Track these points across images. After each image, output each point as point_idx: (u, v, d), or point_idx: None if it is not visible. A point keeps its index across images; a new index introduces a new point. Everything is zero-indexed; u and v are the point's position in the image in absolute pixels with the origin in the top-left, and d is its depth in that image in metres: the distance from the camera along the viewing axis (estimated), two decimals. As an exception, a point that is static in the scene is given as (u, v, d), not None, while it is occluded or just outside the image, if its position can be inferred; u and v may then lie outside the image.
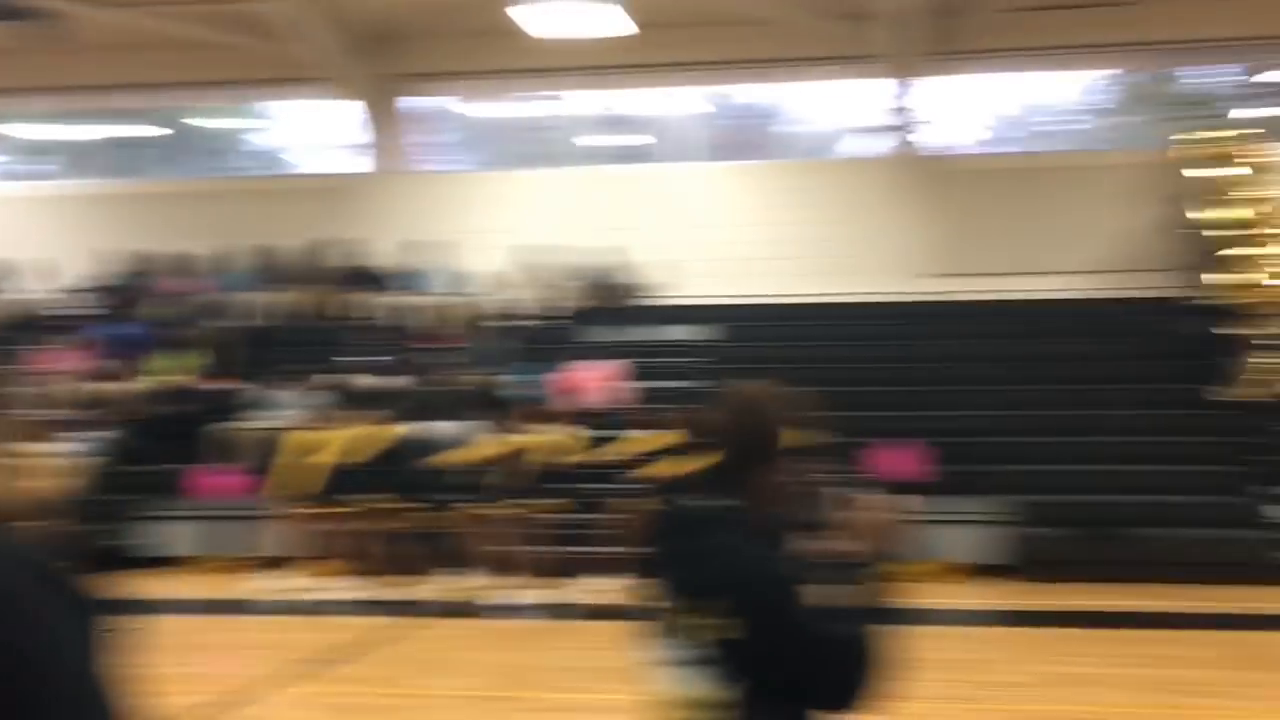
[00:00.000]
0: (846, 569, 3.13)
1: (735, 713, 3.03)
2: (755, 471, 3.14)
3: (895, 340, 17.70)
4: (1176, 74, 20.97)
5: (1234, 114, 19.52)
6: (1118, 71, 20.47)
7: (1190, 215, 17.11)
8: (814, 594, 3.04)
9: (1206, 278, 16.42)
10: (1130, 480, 15.15)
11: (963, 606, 12.95)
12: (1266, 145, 17.76)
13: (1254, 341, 14.89)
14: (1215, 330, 16.04)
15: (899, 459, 14.95)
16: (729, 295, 18.09)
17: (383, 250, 18.95)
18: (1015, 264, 18.43)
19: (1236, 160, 17.11)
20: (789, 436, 3.19)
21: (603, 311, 18.43)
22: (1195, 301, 16.69)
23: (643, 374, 16.82)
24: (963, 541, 14.56)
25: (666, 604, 3.15)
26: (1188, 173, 17.41)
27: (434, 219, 19.40)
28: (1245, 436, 15.00)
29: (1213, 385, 15.54)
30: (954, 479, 14.88)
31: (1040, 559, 14.10)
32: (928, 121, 19.44)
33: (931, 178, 19.09)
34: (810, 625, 2.99)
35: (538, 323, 18.28)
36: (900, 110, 19.02)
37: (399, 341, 17.60)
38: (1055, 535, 14.31)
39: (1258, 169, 16.94)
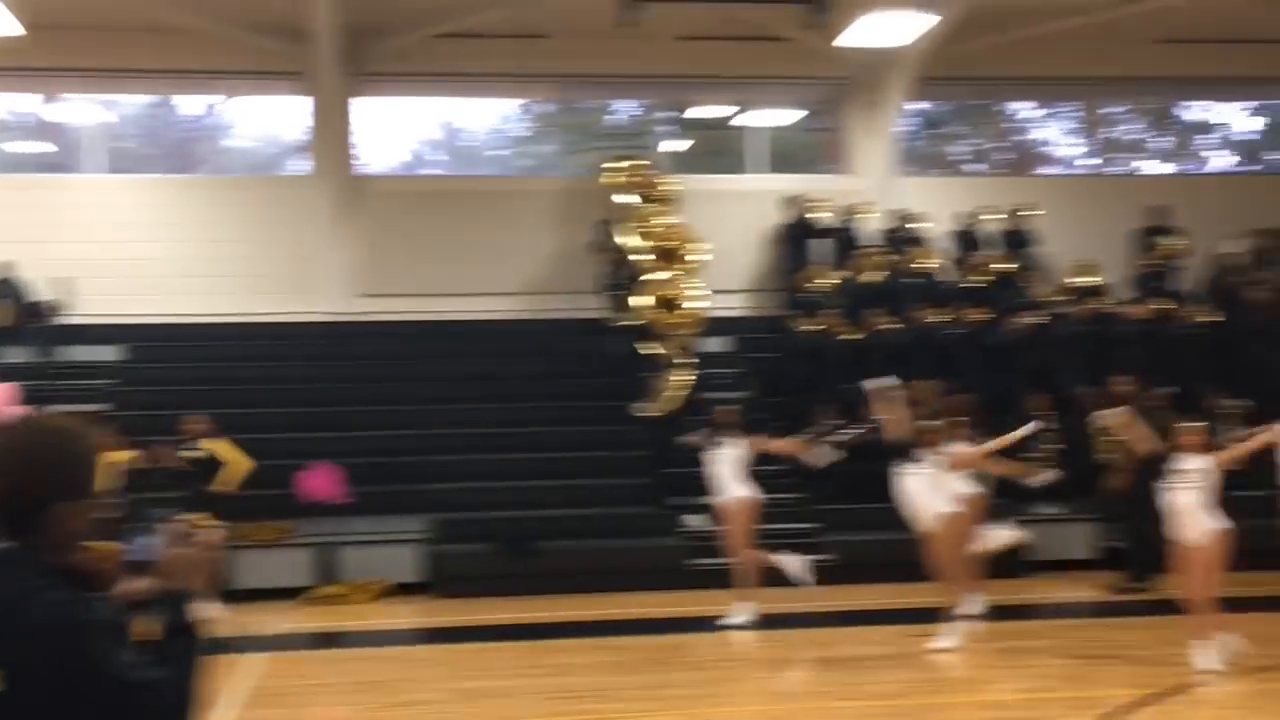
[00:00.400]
0: (155, 606, 2.88)
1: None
2: (52, 509, 2.82)
3: (321, 360, 17.48)
4: (600, 106, 21.99)
5: (662, 145, 20.66)
6: (536, 100, 21.19)
7: (611, 241, 17.92)
8: (122, 636, 2.77)
9: (627, 300, 17.25)
10: (554, 495, 15.62)
11: (380, 627, 12.89)
12: (679, 176, 18.96)
13: (668, 360, 15.76)
14: (635, 349, 16.86)
15: (319, 480, 14.71)
16: (137, 314, 17.20)
17: None
18: (446, 284, 18.65)
19: (650, 190, 18.07)
20: (95, 472, 2.91)
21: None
22: (617, 322, 17.48)
23: (40, 396, 15.60)
24: (381, 561, 14.53)
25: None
26: (610, 199, 18.24)
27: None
28: (663, 450, 15.80)
29: (634, 402, 16.33)
30: (374, 498, 14.82)
31: (456, 575, 14.26)
32: (359, 142, 19.37)
33: (362, 198, 18.97)
34: (114, 671, 2.71)
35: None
36: (328, 130, 18.76)
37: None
38: (472, 552, 14.52)
39: (667, 199, 17.97)
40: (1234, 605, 10.00)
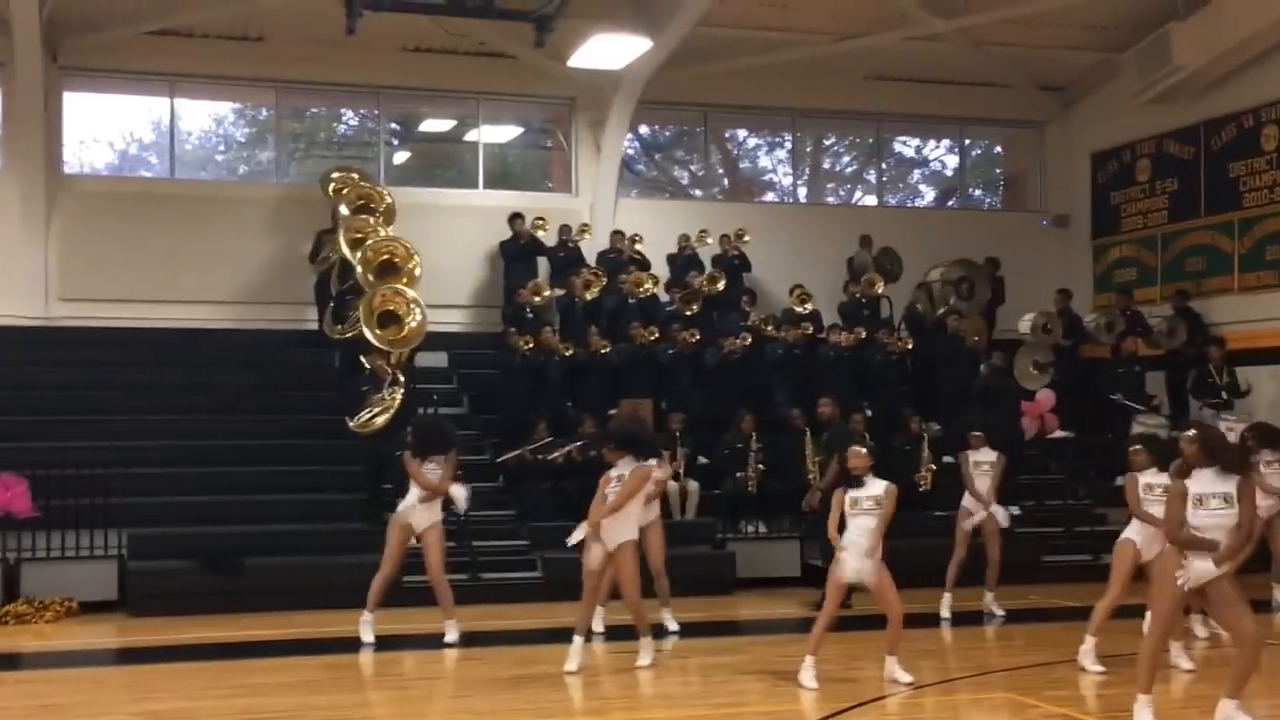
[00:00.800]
0: None
1: None
2: None
3: (14, 366, 16.62)
4: (324, 114, 21.55)
5: (387, 157, 20.37)
6: (255, 105, 20.66)
7: (330, 252, 17.58)
8: None
9: (344, 312, 16.95)
10: (263, 510, 15.19)
11: (64, 648, 12.28)
12: (402, 189, 18.75)
13: (385, 375, 15.52)
14: (351, 363, 16.55)
15: (5, 493, 13.94)
16: None
17: None
18: (154, 291, 18.02)
19: (372, 201, 17.82)
20: None
21: None
22: (333, 335, 17.14)
23: None
24: (70, 578, 13.85)
25: None
26: (330, 210, 17.90)
27: None
28: (379, 465, 15.49)
29: (349, 416, 16.01)
30: (66, 512, 14.13)
31: (152, 593, 13.70)
32: (66, 139, 18.51)
33: (66, 197, 18.14)
34: None
35: None
36: (26, 124, 17.81)
37: None
38: (170, 568, 13.99)
39: (389, 211, 17.73)
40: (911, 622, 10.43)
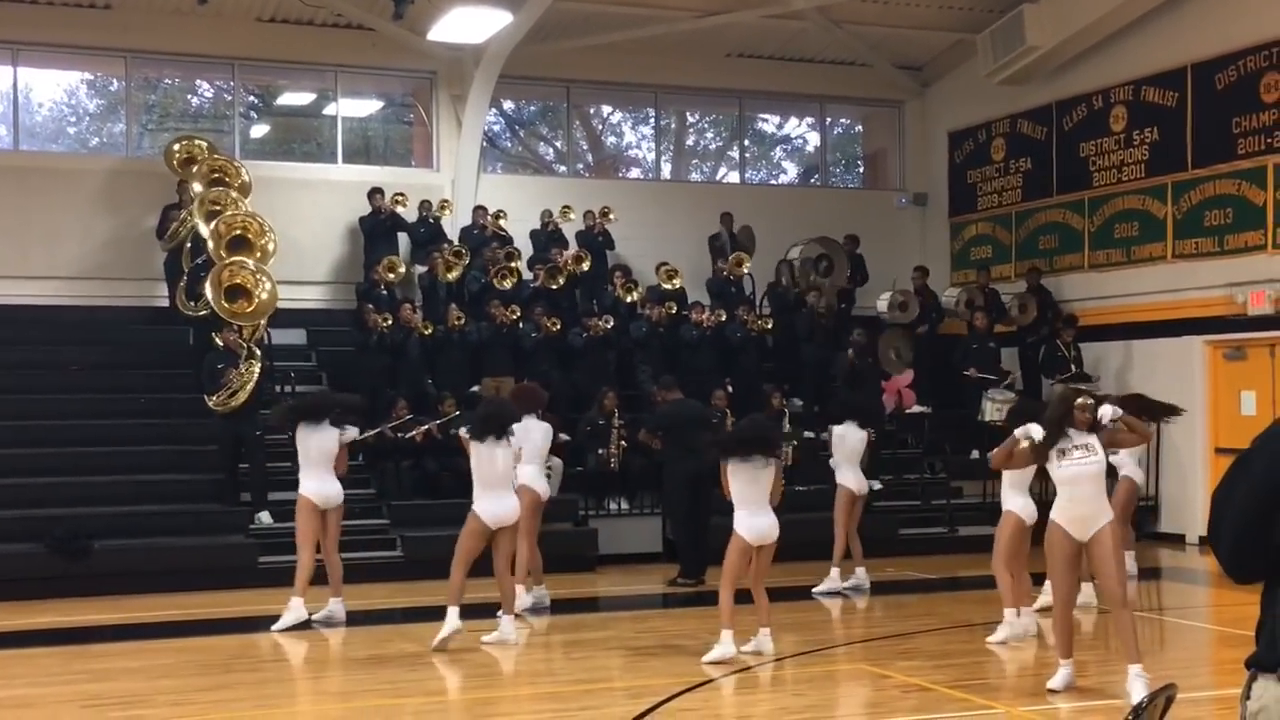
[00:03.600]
0: None
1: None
2: None
3: None
4: (178, 85, 21.02)
5: (242, 130, 19.95)
6: (106, 75, 20.08)
7: (181, 226, 17.16)
8: None
9: (196, 288, 16.56)
10: (114, 491, 14.79)
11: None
12: (258, 162, 18.35)
13: (239, 351, 15.20)
14: (204, 340, 16.20)
15: None
16: None
17: None
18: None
19: (226, 175, 17.41)
20: None
21: None
22: (186, 311, 16.76)
23: None
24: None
25: None
26: (181, 183, 17.47)
27: None
28: (234, 444, 15.20)
29: (203, 394, 15.66)
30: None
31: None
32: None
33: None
34: None
35: None
36: None
37: None
38: (14, 552, 13.56)
39: (243, 185, 17.35)
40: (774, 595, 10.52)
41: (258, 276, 15.49)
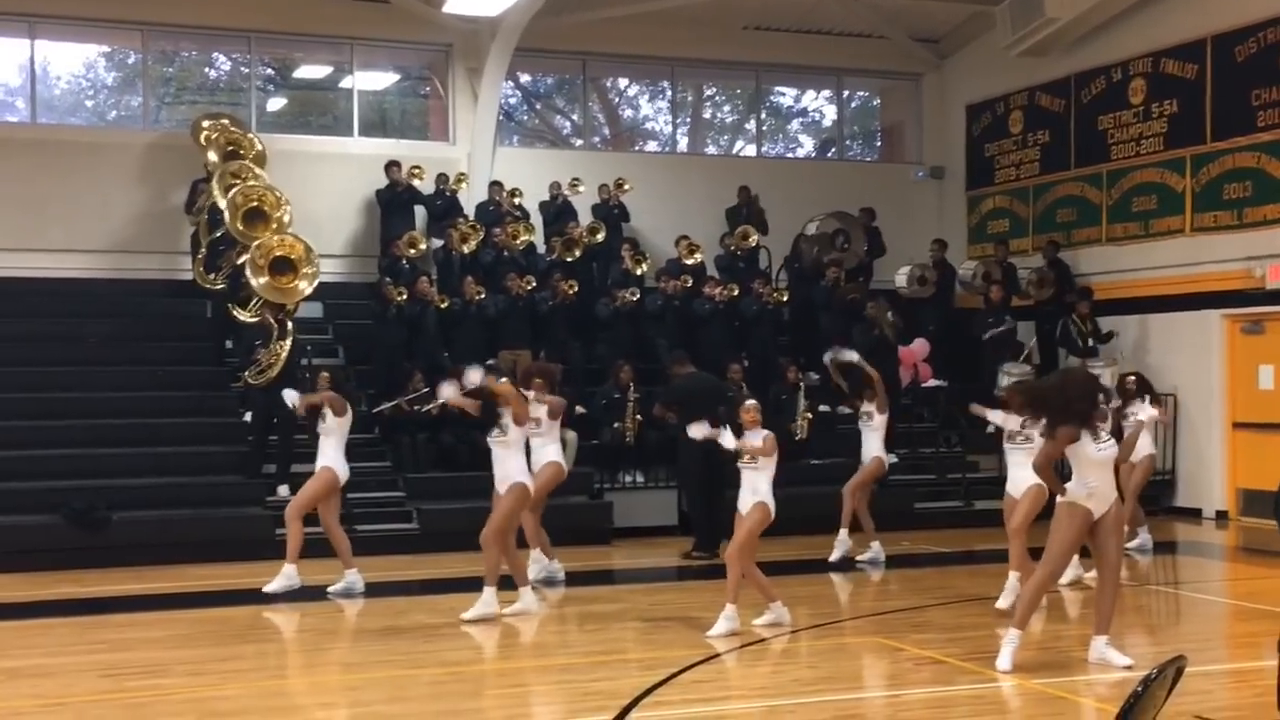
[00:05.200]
0: None
1: None
2: None
3: None
4: (196, 58, 21.02)
5: (261, 103, 19.97)
6: (124, 48, 20.09)
7: (203, 199, 17.21)
8: None
9: (219, 262, 16.62)
10: (136, 462, 14.87)
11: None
12: (277, 135, 18.38)
13: (263, 325, 15.24)
14: (227, 313, 16.26)
15: None
16: None
17: None
18: (20, 239, 17.48)
19: (245, 148, 17.44)
20: None
21: None
22: (208, 285, 16.82)
23: None
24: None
25: None
26: (203, 156, 17.51)
27: None
28: (258, 417, 15.23)
29: (225, 368, 15.69)
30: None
31: (16, 548, 13.36)
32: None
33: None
34: None
35: None
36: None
37: None
38: (36, 523, 13.66)
39: (262, 158, 17.38)
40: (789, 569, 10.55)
41: (307, 255, 15.41)
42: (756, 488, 9.88)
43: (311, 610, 11.39)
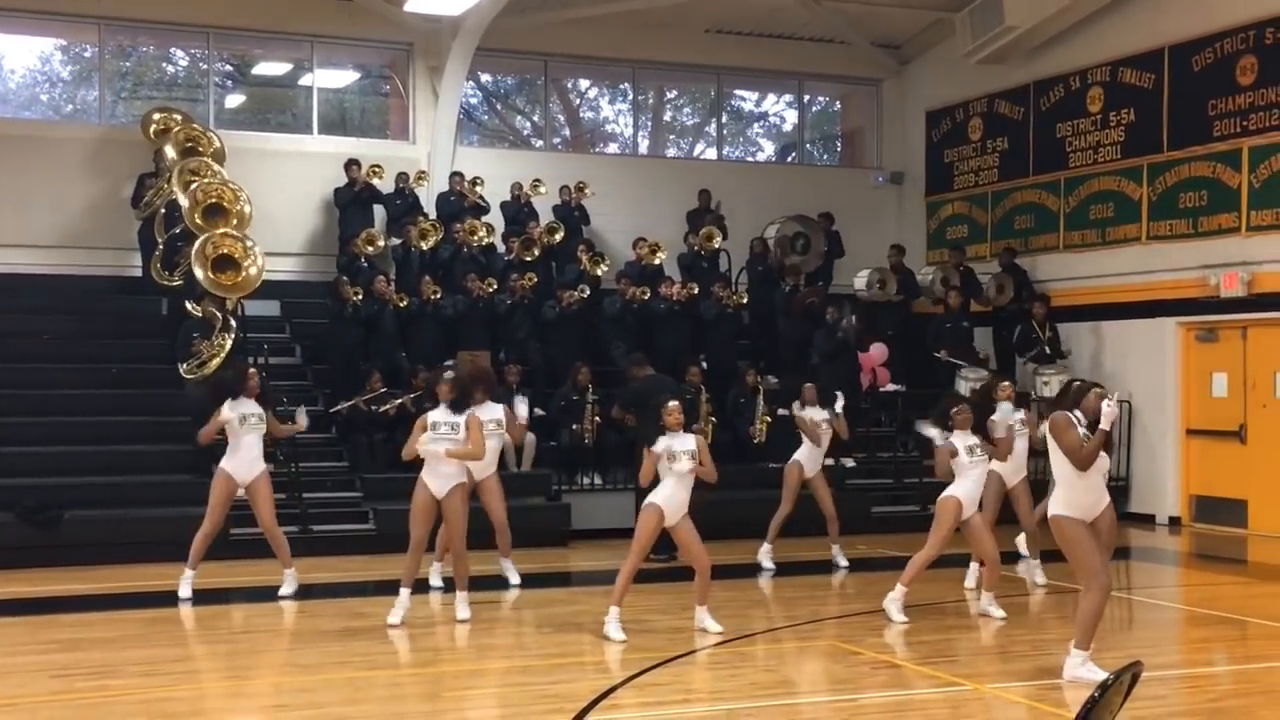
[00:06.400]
0: None
1: None
2: None
3: None
4: (154, 53, 20.85)
5: (218, 99, 19.83)
6: (79, 42, 19.90)
7: (155, 195, 17.08)
8: None
9: (170, 258, 16.49)
10: (85, 461, 14.73)
11: None
12: (233, 132, 18.24)
13: (213, 322, 15.13)
14: (177, 310, 16.12)
15: None
16: None
17: None
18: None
19: (200, 144, 17.30)
20: None
21: None
22: (159, 281, 16.68)
23: None
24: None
25: None
26: (156, 152, 17.37)
27: None
28: (205, 414, 15.05)
29: (175, 365, 15.57)
30: None
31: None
32: None
33: None
34: None
35: None
36: None
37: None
38: (-15, 521, 13.51)
39: (218, 155, 17.25)
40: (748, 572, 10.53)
41: (249, 250, 15.33)
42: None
43: (266, 611, 11.30)
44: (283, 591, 11.58)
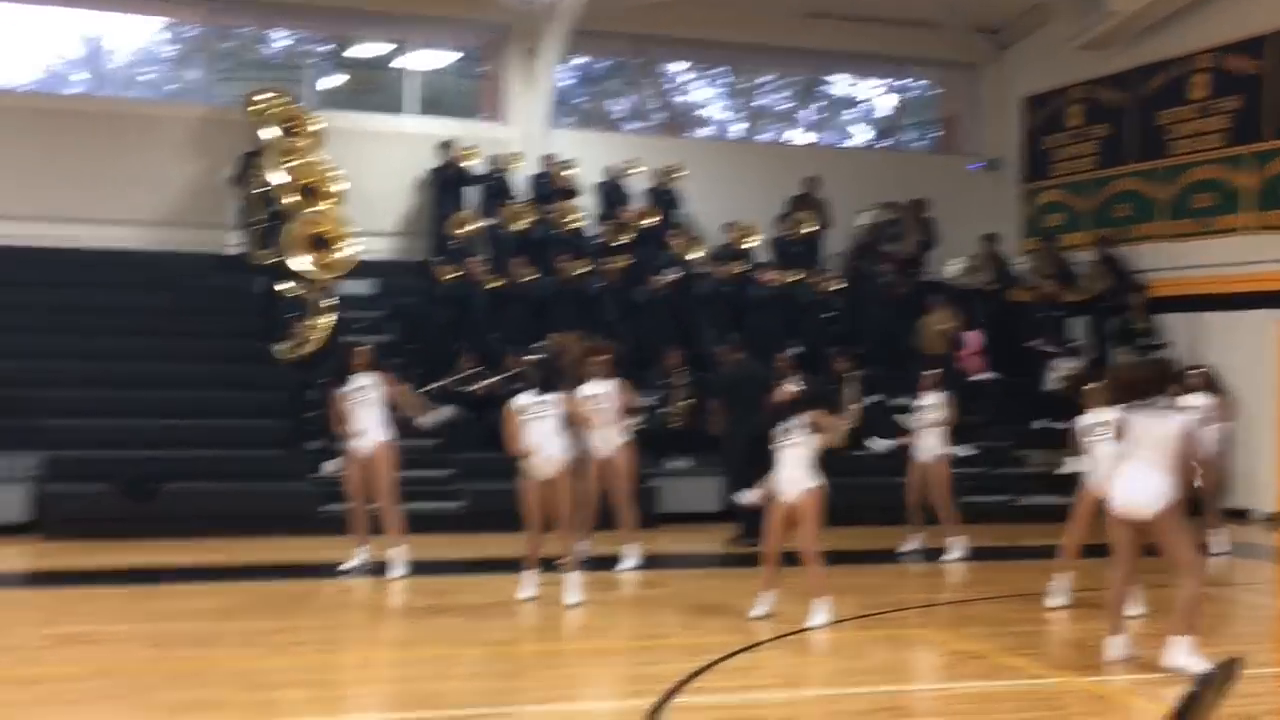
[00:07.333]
0: None
1: None
2: None
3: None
4: (254, 34, 21.13)
5: (316, 80, 20.07)
6: (183, 22, 20.21)
7: (254, 175, 17.32)
8: None
9: (267, 237, 16.73)
10: (181, 434, 15.00)
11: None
12: (331, 113, 18.46)
13: (309, 301, 15.34)
14: (274, 288, 16.35)
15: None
16: None
17: None
18: (70, 209, 17.63)
19: (299, 125, 17.53)
20: None
21: None
22: (256, 259, 16.93)
23: None
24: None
25: None
26: (255, 132, 17.61)
27: None
28: (301, 393, 15.33)
29: (271, 342, 15.83)
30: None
31: (67, 516, 13.55)
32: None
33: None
34: None
35: None
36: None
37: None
38: (86, 492, 13.80)
39: (316, 135, 17.46)
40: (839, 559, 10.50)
41: (342, 230, 15.51)
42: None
43: (356, 587, 11.45)
44: (391, 569, 11.65)
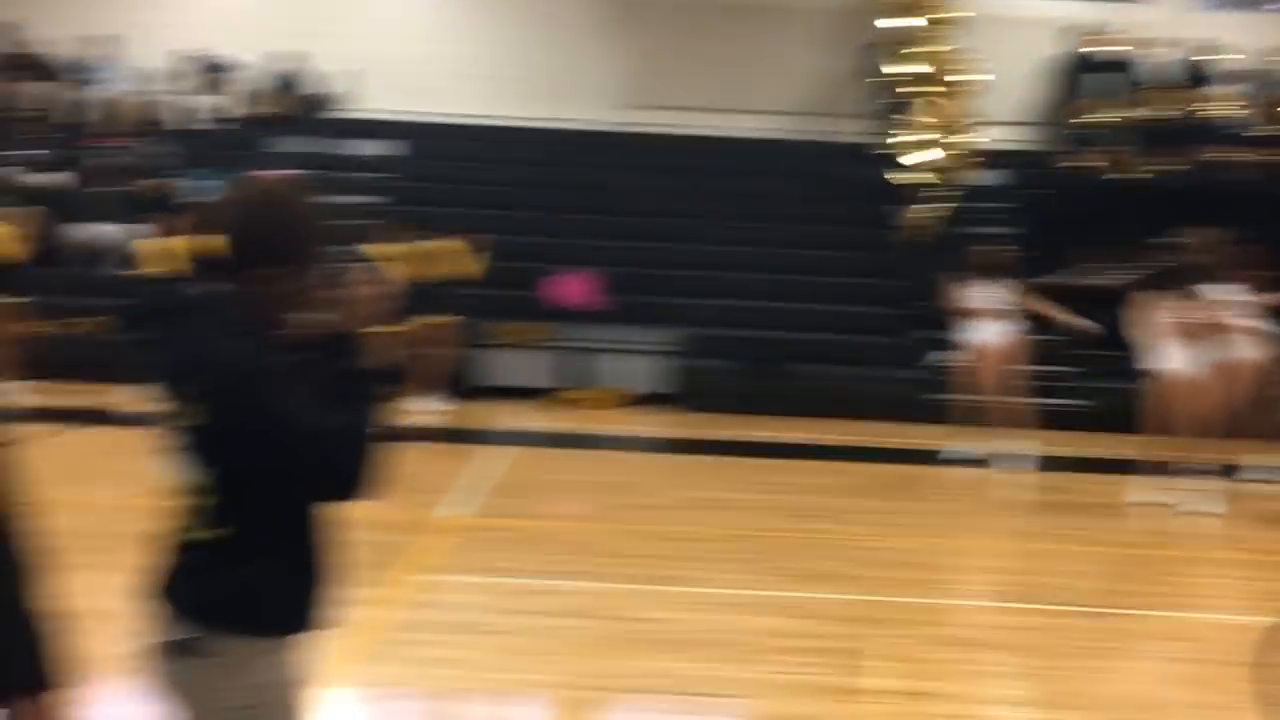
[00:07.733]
0: (333, 350, 3.01)
1: (215, 499, 2.93)
2: (263, 266, 2.97)
3: (581, 168, 17.60)
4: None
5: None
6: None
7: (878, 64, 17.43)
8: (301, 386, 2.91)
9: (892, 126, 16.84)
10: (803, 318, 15.56)
11: (622, 433, 13.20)
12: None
13: (933, 190, 15.35)
14: (896, 177, 16.49)
15: (573, 286, 15.07)
16: (416, 111, 17.59)
17: (52, 39, 17.72)
18: (707, 100, 18.52)
19: (929, 12, 17.41)
20: (308, 244, 3.04)
21: (283, 120, 17.73)
22: (879, 148, 17.11)
23: (323, 187, 16.28)
24: (630, 370, 14.79)
25: (160, 390, 3.00)
26: (878, 21, 17.70)
27: (104, 8, 18.22)
28: (918, 281, 15.45)
29: (891, 230, 16.00)
30: (627, 308, 15.07)
31: (703, 390, 14.42)
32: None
33: (635, 7, 18.94)
34: (286, 415, 2.86)
35: (214, 127, 17.49)
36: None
37: (69, 138, 16.66)
38: (720, 368, 14.64)
39: (939, 22, 17.29)
40: None
41: (963, 119, 15.35)
42: None
43: (966, 475, 11.40)
44: (1005, 461, 11.60)
